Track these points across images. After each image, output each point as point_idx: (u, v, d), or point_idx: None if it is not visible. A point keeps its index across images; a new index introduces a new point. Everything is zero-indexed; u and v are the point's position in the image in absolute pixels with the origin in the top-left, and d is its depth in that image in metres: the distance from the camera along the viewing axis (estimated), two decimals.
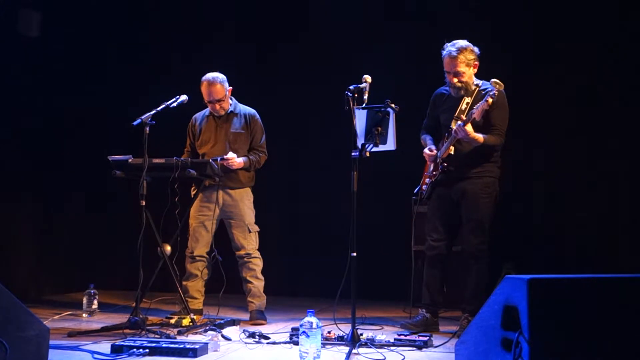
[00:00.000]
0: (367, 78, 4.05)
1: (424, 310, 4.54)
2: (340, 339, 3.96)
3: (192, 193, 4.90)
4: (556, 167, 5.67)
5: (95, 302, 5.04)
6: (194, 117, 5.05)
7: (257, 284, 4.90)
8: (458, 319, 4.60)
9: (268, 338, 4.05)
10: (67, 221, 6.36)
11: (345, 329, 4.10)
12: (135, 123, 4.31)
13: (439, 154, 4.50)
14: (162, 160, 4.49)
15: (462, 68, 4.39)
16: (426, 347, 3.91)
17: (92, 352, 3.63)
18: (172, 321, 4.47)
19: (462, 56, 4.37)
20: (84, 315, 4.98)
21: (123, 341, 3.69)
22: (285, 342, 3.99)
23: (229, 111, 4.93)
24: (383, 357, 3.63)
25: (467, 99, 4.45)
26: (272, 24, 6.38)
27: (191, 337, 4.12)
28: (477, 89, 4.46)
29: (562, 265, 5.01)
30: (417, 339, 3.96)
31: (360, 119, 3.99)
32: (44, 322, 3.34)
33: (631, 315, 2.84)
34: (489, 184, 4.47)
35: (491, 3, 5.82)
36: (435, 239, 4.54)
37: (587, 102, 5.58)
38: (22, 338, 3.03)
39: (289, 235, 6.36)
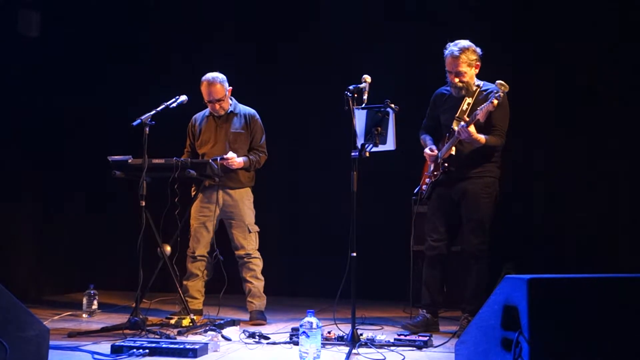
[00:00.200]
0: (367, 78, 4.05)
1: (424, 310, 4.54)
2: (340, 339, 3.96)
3: (192, 193, 4.90)
4: (556, 167, 5.67)
5: (95, 302, 5.04)
6: (193, 117, 5.05)
7: (257, 284, 4.90)
8: (458, 319, 4.60)
9: (268, 338, 4.05)
10: (67, 221, 6.36)
11: (345, 329, 4.10)
12: (135, 123, 4.31)
13: (439, 154, 4.50)
14: (162, 161, 4.49)
15: (463, 68, 4.39)
16: (426, 347, 3.91)
17: (92, 353, 3.63)
18: (172, 321, 4.47)
19: (464, 56, 4.37)
20: (83, 315, 4.98)
21: (123, 341, 3.69)
22: (285, 343, 3.99)
23: (228, 111, 4.93)
24: (383, 357, 3.63)
25: (468, 100, 4.45)
26: (272, 24, 6.38)
27: (191, 338, 4.12)
28: (478, 89, 4.46)
29: (562, 265, 5.01)
30: (417, 339, 3.96)
31: (360, 119, 3.99)
32: (44, 323, 3.34)
33: (631, 315, 2.84)
34: (490, 184, 4.47)
35: (491, 3, 5.82)
36: (435, 239, 4.54)
37: (587, 102, 5.58)
38: (22, 338, 3.03)
39: (289, 235, 6.36)
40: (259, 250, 4.93)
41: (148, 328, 4.21)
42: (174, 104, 4.56)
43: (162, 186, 4.48)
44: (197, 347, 3.57)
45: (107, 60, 6.38)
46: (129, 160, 4.48)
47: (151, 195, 4.38)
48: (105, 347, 3.70)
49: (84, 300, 5.02)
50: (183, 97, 4.61)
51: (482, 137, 4.31)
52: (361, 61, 5.76)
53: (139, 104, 4.84)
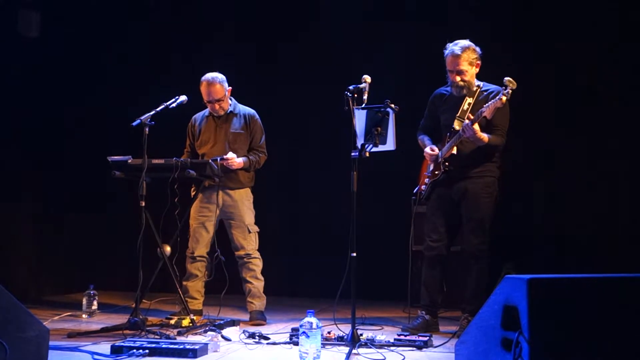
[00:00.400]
0: (367, 78, 4.05)
1: (423, 312, 4.54)
2: (340, 339, 3.96)
3: (192, 193, 4.90)
4: (556, 167, 5.66)
5: (95, 302, 5.04)
6: (193, 117, 5.05)
7: (257, 284, 4.90)
8: (458, 319, 4.60)
9: (268, 338, 4.05)
10: (67, 221, 6.36)
11: (345, 329, 4.10)
12: (134, 124, 4.31)
13: (440, 153, 4.50)
14: (161, 161, 4.49)
15: (465, 66, 4.39)
16: (426, 347, 3.91)
17: (92, 353, 3.63)
18: (172, 322, 4.47)
19: (465, 55, 4.38)
20: (83, 316, 4.98)
21: (123, 342, 3.69)
22: (285, 343, 3.99)
23: (228, 111, 4.93)
24: (383, 357, 3.63)
25: (469, 100, 4.45)
26: (272, 24, 6.38)
27: (191, 338, 4.12)
28: (479, 89, 4.47)
29: (562, 265, 5.01)
30: (417, 339, 3.97)
31: (359, 119, 3.99)
32: (44, 323, 3.34)
33: (631, 315, 2.84)
34: (490, 183, 4.47)
35: (491, 3, 5.82)
36: (434, 240, 4.54)
37: (587, 102, 5.58)
38: (21, 339, 3.03)
39: (289, 235, 6.36)
40: (258, 250, 4.93)
41: (148, 328, 4.21)
42: (174, 104, 4.56)
43: (162, 186, 4.48)
44: (197, 347, 3.57)
45: (107, 60, 6.39)
46: (129, 161, 4.48)
47: (151, 195, 4.38)
48: (105, 347, 3.70)
49: (84, 301, 5.02)
50: (183, 97, 4.61)
51: (485, 136, 4.31)
52: (361, 61, 5.76)
53: (139, 104, 4.84)
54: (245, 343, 4.01)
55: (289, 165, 6.32)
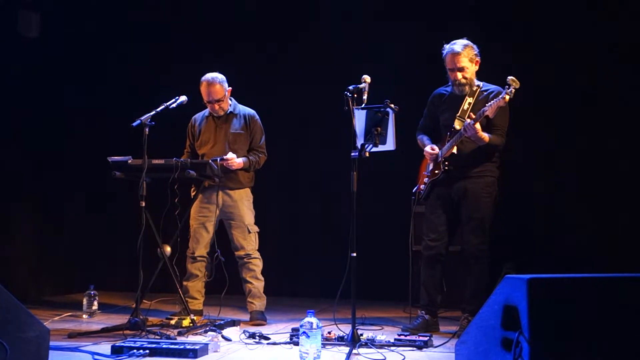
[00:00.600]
0: (367, 78, 4.05)
1: (423, 312, 4.54)
2: (340, 339, 3.96)
3: (192, 194, 4.90)
4: (556, 167, 5.66)
5: (96, 303, 5.04)
6: (193, 117, 5.05)
7: (257, 284, 4.90)
8: (458, 319, 4.60)
9: (268, 339, 4.05)
10: (67, 221, 6.37)
11: (346, 329, 4.10)
12: (134, 124, 4.31)
13: (440, 153, 4.50)
14: (161, 161, 4.49)
15: (465, 63, 4.40)
16: (426, 347, 3.91)
17: (93, 353, 3.63)
18: (173, 322, 4.47)
19: (465, 51, 4.40)
20: (84, 316, 4.98)
21: (123, 342, 3.70)
22: (286, 343, 3.99)
23: (228, 112, 4.93)
24: (383, 358, 3.63)
25: (469, 100, 4.45)
26: (272, 24, 6.38)
27: (191, 338, 4.12)
28: (479, 89, 4.47)
29: (562, 265, 5.00)
30: (417, 339, 3.97)
31: (359, 119, 3.99)
32: (44, 323, 3.34)
33: (631, 315, 2.84)
34: (490, 183, 4.47)
35: (491, 3, 5.82)
36: (432, 239, 4.54)
37: (587, 102, 5.57)
38: (22, 339, 3.04)
39: (289, 235, 6.36)
40: (259, 250, 4.93)
41: (148, 328, 4.21)
42: (174, 105, 4.56)
43: (162, 187, 4.48)
44: (197, 347, 3.57)
45: (107, 60, 6.39)
46: (129, 161, 4.48)
47: (151, 195, 4.38)
48: (105, 347, 3.70)
49: (84, 301, 5.02)
50: (183, 98, 4.61)
51: (486, 136, 4.32)
52: (361, 61, 5.76)
53: (139, 104, 4.84)
54: (246, 343, 4.01)
55: (289, 165, 6.32)
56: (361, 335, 3.90)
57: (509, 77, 4.17)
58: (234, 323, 4.61)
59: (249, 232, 4.87)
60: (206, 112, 4.99)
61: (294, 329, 4.06)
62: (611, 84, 5.52)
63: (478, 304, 3.70)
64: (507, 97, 4.18)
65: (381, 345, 3.88)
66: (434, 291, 4.55)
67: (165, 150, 4.78)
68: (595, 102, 5.56)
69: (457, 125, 4.41)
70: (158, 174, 4.50)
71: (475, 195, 4.43)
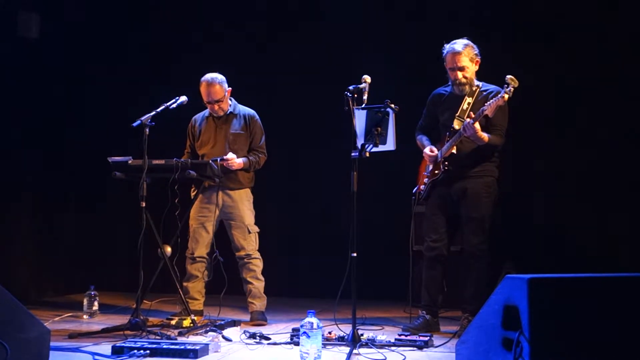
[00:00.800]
0: (367, 78, 4.05)
1: (424, 312, 4.54)
2: (340, 339, 3.96)
3: (192, 194, 4.90)
4: (556, 167, 5.66)
5: (96, 303, 5.04)
6: (193, 118, 5.05)
7: (258, 284, 4.90)
8: (458, 318, 4.59)
9: (269, 339, 4.05)
10: (67, 222, 6.36)
11: (346, 329, 4.10)
12: (135, 124, 4.31)
13: (440, 153, 4.50)
14: (162, 162, 4.49)
15: (465, 62, 4.41)
16: (427, 347, 3.91)
17: (93, 354, 3.63)
18: (173, 322, 4.47)
19: (465, 51, 4.40)
20: (84, 316, 4.98)
21: (124, 342, 3.70)
22: (286, 343, 4.00)
23: (228, 112, 4.93)
24: (384, 358, 3.63)
25: (469, 99, 4.45)
26: (272, 24, 6.38)
27: (192, 338, 4.12)
28: (478, 89, 4.47)
29: (562, 265, 5.01)
30: (417, 339, 3.97)
31: (359, 119, 4.00)
32: (45, 324, 3.35)
33: (631, 315, 2.85)
34: (490, 183, 4.48)
35: (491, 3, 5.82)
36: (434, 240, 4.54)
37: (587, 102, 5.57)
38: (22, 339, 3.04)
39: (289, 235, 6.35)
40: (259, 250, 4.93)
41: (149, 329, 4.21)
42: (174, 105, 4.56)
43: (163, 187, 4.48)
44: (198, 347, 3.57)
45: (107, 61, 6.38)
46: (129, 161, 4.49)
47: (151, 196, 4.38)
48: (106, 348, 3.70)
49: (85, 301, 5.02)
50: (183, 98, 4.61)
51: (485, 135, 4.32)
52: (361, 61, 5.76)
53: (139, 104, 4.84)
54: (246, 343, 4.01)
55: (289, 165, 6.32)
56: (362, 335, 3.90)
57: (508, 76, 4.18)
58: (234, 323, 4.61)
59: (249, 233, 4.87)
60: (206, 112, 4.99)
61: (294, 329, 4.06)
62: (611, 84, 5.51)
63: (478, 303, 3.71)
64: (506, 96, 4.18)
65: (382, 345, 3.89)
66: (435, 291, 4.55)
67: (165, 151, 4.77)
68: (596, 102, 5.55)
69: (457, 125, 4.41)
70: (158, 175, 4.51)
71: (475, 195, 4.43)
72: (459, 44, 4.41)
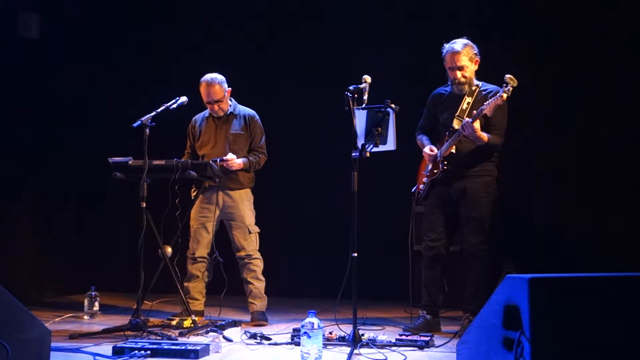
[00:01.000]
0: (367, 78, 4.06)
1: (424, 312, 4.54)
2: (341, 339, 3.96)
3: (192, 194, 4.90)
4: (556, 167, 5.66)
5: (97, 304, 5.04)
6: (193, 118, 5.05)
7: (258, 285, 4.90)
8: (459, 318, 4.60)
9: (269, 339, 4.05)
10: (67, 222, 6.36)
11: (347, 329, 4.10)
12: (135, 125, 4.31)
13: (439, 152, 4.50)
14: (162, 162, 4.50)
15: (465, 62, 4.41)
16: (428, 347, 3.91)
17: (94, 354, 3.63)
18: (174, 323, 4.47)
19: (464, 50, 4.41)
20: (85, 317, 4.98)
21: (124, 343, 3.70)
22: (287, 343, 4.00)
23: (228, 112, 4.93)
24: (385, 358, 3.63)
25: (468, 99, 4.46)
26: (272, 24, 6.38)
27: (193, 339, 4.12)
28: (478, 89, 4.48)
29: (562, 265, 5.01)
30: (418, 339, 3.97)
31: (360, 119, 4.00)
32: (45, 324, 3.34)
33: (631, 315, 2.85)
34: (489, 183, 4.48)
35: (491, 3, 5.82)
36: (432, 239, 4.54)
37: (587, 101, 5.58)
38: (23, 340, 3.04)
39: (289, 235, 6.35)
40: (259, 250, 4.93)
41: (149, 329, 4.21)
42: (174, 105, 4.56)
43: (163, 187, 4.48)
44: (198, 348, 3.58)
45: (107, 60, 6.38)
46: (130, 162, 4.49)
47: (152, 196, 4.38)
48: (106, 348, 3.71)
49: (85, 302, 5.02)
50: (183, 98, 4.62)
51: (484, 135, 4.32)
52: (361, 61, 5.76)
53: (139, 104, 4.83)
54: (247, 344, 4.01)
55: (289, 165, 6.32)
56: (362, 335, 3.91)
57: (507, 76, 4.18)
58: (235, 323, 4.61)
59: (250, 233, 4.87)
60: (206, 112, 4.99)
61: (295, 330, 4.06)
62: (611, 84, 5.51)
63: (479, 303, 3.71)
64: (505, 95, 4.18)
65: (382, 345, 3.89)
66: (435, 291, 4.55)
67: (165, 151, 4.77)
68: (596, 102, 5.56)
69: (456, 124, 4.41)
70: (159, 175, 4.51)
71: (475, 195, 4.43)
72: (459, 43, 4.42)
